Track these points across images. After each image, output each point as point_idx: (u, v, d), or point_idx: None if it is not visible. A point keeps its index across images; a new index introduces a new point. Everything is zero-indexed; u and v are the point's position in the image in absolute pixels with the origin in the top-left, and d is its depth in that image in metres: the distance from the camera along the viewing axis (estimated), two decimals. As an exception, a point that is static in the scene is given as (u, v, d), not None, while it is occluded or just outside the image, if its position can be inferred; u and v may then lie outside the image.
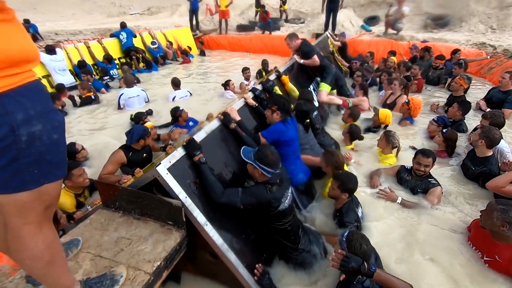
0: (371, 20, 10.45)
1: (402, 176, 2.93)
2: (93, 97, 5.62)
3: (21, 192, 0.96)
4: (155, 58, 8.62)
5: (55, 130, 0.99)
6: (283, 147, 2.51)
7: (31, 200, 1.00)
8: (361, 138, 3.59)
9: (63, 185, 2.68)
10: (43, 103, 0.95)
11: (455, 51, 6.52)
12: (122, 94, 5.28)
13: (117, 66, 7.64)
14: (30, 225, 1.04)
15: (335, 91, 4.76)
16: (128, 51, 7.99)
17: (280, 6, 12.43)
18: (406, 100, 4.34)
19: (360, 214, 2.45)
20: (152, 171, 1.71)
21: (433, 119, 3.92)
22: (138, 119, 4.13)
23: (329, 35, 7.19)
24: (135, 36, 8.32)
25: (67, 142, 3.81)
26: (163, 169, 1.69)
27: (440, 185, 2.75)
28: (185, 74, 7.97)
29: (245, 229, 2.11)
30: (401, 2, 8.08)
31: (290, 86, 3.73)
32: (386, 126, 4.10)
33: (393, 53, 6.93)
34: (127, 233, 1.78)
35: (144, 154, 3.25)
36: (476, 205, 2.72)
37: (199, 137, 2.06)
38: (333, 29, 8.54)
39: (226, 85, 5.80)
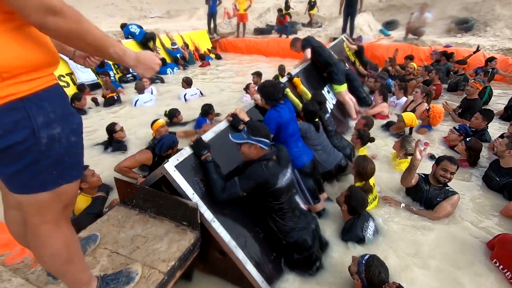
0: (390, 25, 10.24)
1: (420, 185, 2.81)
2: (115, 97, 5.81)
3: (41, 192, 0.99)
4: (175, 58, 8.77)
5: (73, 133, 1.02)
6: (283, 131, 2.50)
7: (50, 200, 1.03)
8: (372, 140, 3.54)
9: (79, 191, 2.74)
10: (62, 106, 0.98)
11: (491, 59, 6.16)
12: (138, 100, 5.58)
13: None
14: (49, 224, 1.07)
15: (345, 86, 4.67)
16: (146, 39, 8.18)
17: (308, 10, 12.16)
18: (427, 108, 4.22)
19: (372, 228, 2.40)
20: (160, 168, 1.75)
21: (454, 128, 3.78)
22: (172, 115, 4.27)
23: (345, 39, 7.11)
24: (142, 28, 8.58)
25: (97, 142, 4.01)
26: (170, 166, 1.73)
27: (458, 193, 2.66)
28: (203, 76, 8.13)
29: (254, 227, 2.10)
30: (424, 8, 7.89)
31: (302, 88, 3.71)
32: (411, 129, 4.01)
33: (410, 57, 6.74)
34: (143, 231, 1.81)
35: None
36: (501, 218, 2.59)
37: (207, 137, 2.10)
38: (351, 33, 8.43)
39: (247, 88, 5.86)
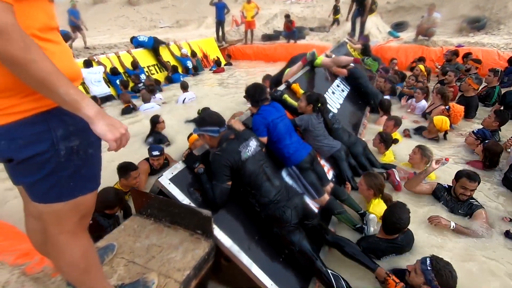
0: (399, 26, 10.17)
1: (441, 195, 2.72)
2: (131, 106, 6.05)
3: (57, 202, 1.02)
4: (186, 68, 8.98)
5: (91, 146, 1.04)
6: (273, 130, 2.46)
7: (67, 210, 1.05)
8: (396, 141, 3.46)
9: (117, 181, 2.95)
10: (82, 120, 1.01)
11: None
12: (139, 109, 6.00)
13: (146, 73, 8.04)
14: (66, 234, 1.09)
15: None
16: (157, 43, 8.52)
17: (333, 14, 11.77)
18: (447, 107, 4.11)
19: None
20: (156, 182, 1.86)
21: (473, 132, 3.67)
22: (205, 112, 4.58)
23: (347, 40, 7.08)
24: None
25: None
26: (165, 180, 1.85)
27: (483, 207, 2.54)
28: (216, 82, 8.36)
29: (257, 230, 2.09)
30: (431, 10, 7.81)
31: (302, 92, 3.69)
32: (446, 133, 3.93)
33: (421, 59, 6.61)
34: (158, 241, 1.83)
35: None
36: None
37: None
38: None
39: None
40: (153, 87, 6.75)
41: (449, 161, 2.54)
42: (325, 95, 4.11)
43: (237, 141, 2.03)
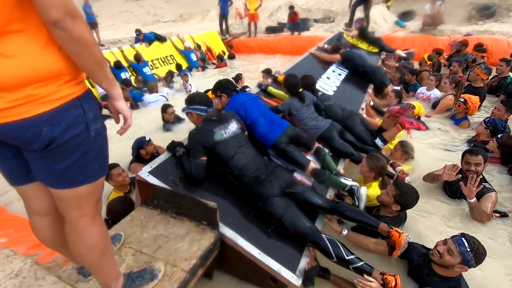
0: (406, 16, 9.95)
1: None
2: (129, 105, 6.06)
3: (84, 185, 1.08)
4: (190, 62, 8.95)
5: (105, 128, 1.12)
6: (248, 113, 2.53)
7: (88, 193, 1.11)
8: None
9: (112, 190, 2.97)
10: (97, 105, 1.11)
11: None
12: (143, 99, 5.95)
13: (150, 67, 8.08)
14: (86, 217, 1.14)
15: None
16: (157, 38, 8.73)
17: (385, 2, 11.08)
18: (462, 99, 3.99)
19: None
20: (136, 176, 1.98)
21: (484, 121, 3.60)
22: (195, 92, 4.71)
23: (343, 30, 7.03)
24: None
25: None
26: (144, 173, 1.97)
27: (495, 191, 2.50)
28: (220, 76, 8.24)
29: (240, 206, 2.11)
30: None
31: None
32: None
33: (439, 52, 6.44)
34: (165, 231, 1.86)
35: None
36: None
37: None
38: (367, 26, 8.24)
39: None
40: (170, 78, 6.91)
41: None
42: (319, 81, 4.22)
43: (215, 123, 2.17)
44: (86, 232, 1.15)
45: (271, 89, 3.54)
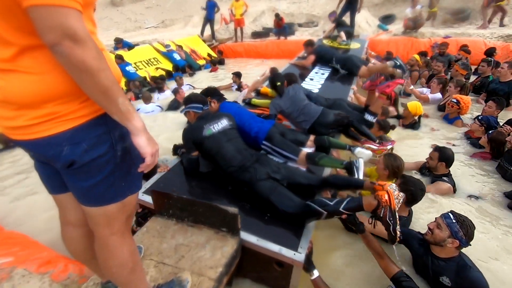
0: (387, 19, 10.32)
1: (423, 171, 3.05)
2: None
3: (112, 203, 1.04)
4: (176, 66, 8.76)
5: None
6: (240, 117, 2.68)
7: (117, 211, 1.07)
8: (393, 127, 3.57)
9: None
10: None
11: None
12: (140, 109, 5.59)
13: (134, 68, 7.83)
14: (116, 235, 1.11)
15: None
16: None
17: (430, 7, 10.12)
18: (454, 100, 4.10)
19: None
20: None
21: (477, 118, 3.76)
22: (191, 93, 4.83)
23: (321, 37, 7.51)
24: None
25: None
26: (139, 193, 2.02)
27: (452, 186, 2.76)
28: (213, 80, 8.17)
29: (237, 202, 2.12)
30: (415, 2, 7.96)
31: (270, 90, 3.84)
32: (420, 117, 4.08)
33: (423, 53, 6.70)
34: (184, 240, 1.82)
35: None
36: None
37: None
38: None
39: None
40: (160, 85, 6.73)
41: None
42: (302, 84, 4.48)
43: (207, 119, 2.34)
44: (117, 250, 1.12)
45: (255, 100, 3.83)
